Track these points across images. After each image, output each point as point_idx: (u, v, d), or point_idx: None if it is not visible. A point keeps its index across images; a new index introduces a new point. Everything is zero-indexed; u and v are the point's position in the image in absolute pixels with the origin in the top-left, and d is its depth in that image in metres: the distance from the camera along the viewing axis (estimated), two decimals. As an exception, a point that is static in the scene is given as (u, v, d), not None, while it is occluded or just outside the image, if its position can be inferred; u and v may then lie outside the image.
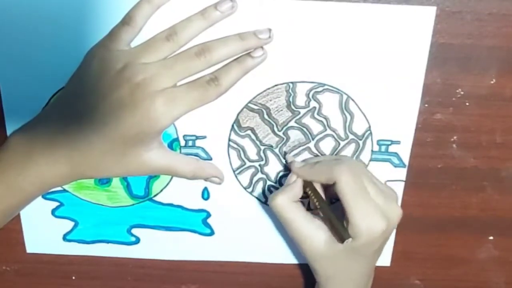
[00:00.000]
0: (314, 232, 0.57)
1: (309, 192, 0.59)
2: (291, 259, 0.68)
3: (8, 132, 0.61)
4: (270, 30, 0.55)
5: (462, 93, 0.60)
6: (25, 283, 0.71)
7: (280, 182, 0.64)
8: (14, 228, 0.66)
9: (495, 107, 0.61)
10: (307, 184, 0.59)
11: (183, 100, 0.52)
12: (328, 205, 0.58)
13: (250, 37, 0.55)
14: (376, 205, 0.55)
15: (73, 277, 0.70)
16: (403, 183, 0.64)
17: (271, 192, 0.64)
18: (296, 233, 0.58)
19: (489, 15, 0.57)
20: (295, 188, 0.58)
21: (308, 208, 0.63)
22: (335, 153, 0.62)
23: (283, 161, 0.63)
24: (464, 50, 0.58)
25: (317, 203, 0.58)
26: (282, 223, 0.58)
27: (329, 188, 0.58)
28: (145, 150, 0.53)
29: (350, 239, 0.54)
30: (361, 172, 0.57)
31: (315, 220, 0.58)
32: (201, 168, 0.60)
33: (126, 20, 0.54)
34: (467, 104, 0.61)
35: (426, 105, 0.61)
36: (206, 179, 0.61)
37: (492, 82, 0.60)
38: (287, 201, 0.57)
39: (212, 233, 0.66)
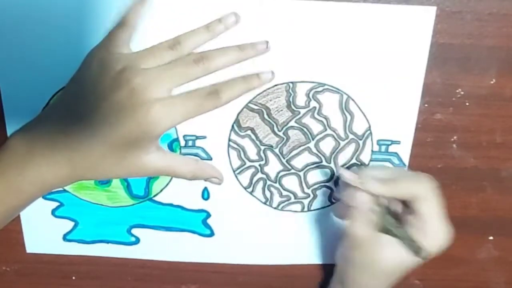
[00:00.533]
0: (388, 250, 0.58)
1: (379, 211, 0.58)
2: (291, 260, 0.68)
3: (9, 132, 0.61)
4: (267, 42, 0.57)
5: (462, 93, 0.61)
6: (25, 283, 0.71)
7: (280, 182, 0.64)
8: (14, 228, 0.66)
9: (495, 107, 0.61)
10: (375, 201, 0.58)
11: (180, 109, 0.52)
12: (394, 219, 0.59)
13: (248, 47, 0.56)
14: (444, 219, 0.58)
15: (73, 277, 0.70)
16: (403, 183, 0.65)
17: (270, 192, 0.64)
18: (372, 253, 0.58)
19: (489, 15, 0.57)
20: (365, 209, 0.58)
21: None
22: (335, 152, 0.62)
23: (283, 161, 0.63)
24: (464, 50, 0.59)
25: (394, 223, 0.58)
26: (351, 247, 0.59)
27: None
28: (144, 153, 0.53)
29: (428, 253, 0.57)
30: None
31: (381, 236, 0.59)
32: (201, 168, 0.60)
33: (120, 21, 0.54)
34: (467, 104, 0.61)
35: (426, 105, 0.61)
36: (205, 180, 0.61)
37: (492, 82, 0.60)
38: (366, 228, 0.58)
39: (212, 234, 0.67)
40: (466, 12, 0.57)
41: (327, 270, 0.69)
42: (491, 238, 0.69)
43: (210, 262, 0.69)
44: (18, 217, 0.66)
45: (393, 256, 0.58)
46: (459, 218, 0.66)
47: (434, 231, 0.57)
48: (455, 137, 0.63)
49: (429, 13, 0.56)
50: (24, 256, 0.69)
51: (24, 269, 0.70)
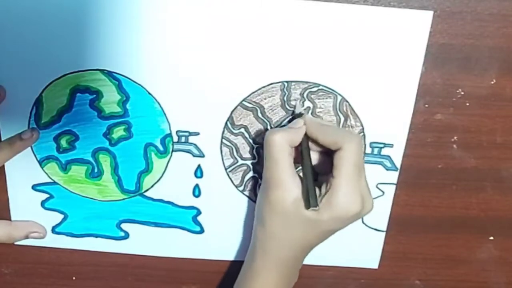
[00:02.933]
0: (290, 184, 0.57)
1: (302, 147, 0.59)
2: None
3: (2, 132, 0.64)
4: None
5: (462, 93, 0.63)
6: (25, 283, 0.74)
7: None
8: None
9: (496, 108, 0.64)
10: (304, 138, 0.60)
11: None
12: (311, 167, 0.59)
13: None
14: (361, 190, 0.57)
15: (73, 278, 0.73)
16: (394, 186, 0.67)
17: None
18: (275, 176, 0.58)
19: (489, 15, 0.59)
20: (297, 134, 0.59)
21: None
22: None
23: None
24: (465, 50, 0.61)
25: (303, 160, 0.59)
26: (266, 161, 0.59)
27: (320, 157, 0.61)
28: None
29: (317, 208, 0.56)
30: (363, 152, 0.60)
31: (296, 175, 0.59)
32: (16, 228, 0.66)
33: None
34: (467, 104, 0.64)
35: (427, 106, 0.63)
36: (27, 237, 0.67)
37: (492, 82, 0.63)
38: (284, 142, 0.58)
39: (201, 231, 0.69)
40: (466, 12, 0.59)
41: (316, 268, 0.72)
42: (491, 238, 0.72)
43: (199, 258, 0.72)
44: (8, 210, 0.68)
45: (288, 198, 0.58)
46: (459, 218, 0.70)
47: (340, 189, 0.56)
48: (455, 138, 0.65)
49: (426, 17, 0.58)
50: (24, 256, 0.72)
51: (24, 269, 0.73)
